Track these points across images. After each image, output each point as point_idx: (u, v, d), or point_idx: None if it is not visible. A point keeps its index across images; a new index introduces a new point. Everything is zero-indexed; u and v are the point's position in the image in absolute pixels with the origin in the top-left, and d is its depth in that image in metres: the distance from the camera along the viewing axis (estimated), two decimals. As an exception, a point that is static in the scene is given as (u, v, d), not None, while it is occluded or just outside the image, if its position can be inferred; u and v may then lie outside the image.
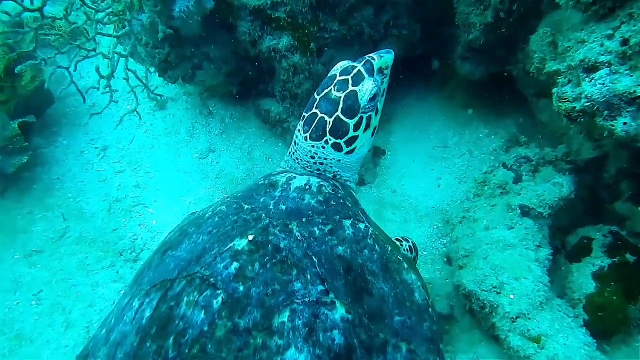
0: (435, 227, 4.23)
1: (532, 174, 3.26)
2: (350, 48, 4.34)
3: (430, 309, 2.08)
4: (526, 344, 2.66)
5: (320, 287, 1.72)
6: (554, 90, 2.29)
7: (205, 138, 5.05)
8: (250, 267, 1.72)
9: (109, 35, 3.31)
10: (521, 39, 3.52)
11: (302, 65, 3.99)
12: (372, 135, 2.31)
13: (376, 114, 2.25)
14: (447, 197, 4.48)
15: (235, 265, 1.74)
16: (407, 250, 2.62)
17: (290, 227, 1.89)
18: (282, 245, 1.81)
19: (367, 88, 2.12)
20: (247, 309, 1.61)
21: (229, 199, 2.15)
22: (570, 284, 3.07)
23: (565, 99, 2.15)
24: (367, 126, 2.22)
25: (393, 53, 2.24)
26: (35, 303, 3.60)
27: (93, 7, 2.83)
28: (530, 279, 2.74)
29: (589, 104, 2.04)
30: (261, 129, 5.17)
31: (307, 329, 1.60)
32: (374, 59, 2.18)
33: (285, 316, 1.61)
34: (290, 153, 2.42)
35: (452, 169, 4.79)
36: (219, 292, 1.67)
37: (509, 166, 3.37)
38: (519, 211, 3.07)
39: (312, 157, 2.29)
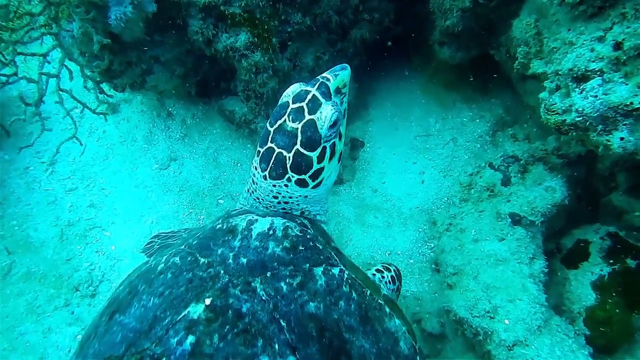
0: (420, 230, 4.14)
1: (521, 175, 3.15)
2: (316, 38, 4.17)
3: (417, 356, 1.98)
4: (526, 374, 2.60)
5: (291, 358, 1.59)
6: (541, 95, 2.16)
7: (164, 144, 4.82)
8: (208, 341, 1.58)
9: (32, 54, 3.05)
10: (503, 23, 3.38)
11: (265, 63, 3.80)
12: (339, 161, 2.16)
13: (340, 138, 2.10)
14: (431, 195, 4.38)
15: (191, 339, 1.59)
16: (389, 281, 2.50)
17: (252, 284, 1.74)
18: (244, 310, 1.66)
19: (325, 115, 1.96)
20: (205, 396, 1.48)
21: (182, 248, 1.99)
22: (567, 293, 3.01)
23: (554, 110, 2.02)
24: (332, 154, 2.07)
25: (349, 68, 2.08)
26: (-24, 362, 3.36)
27: (6, 25, 2.55)
28: (526, 300, 2.66)
29: (580, 118, 1.92)
30: (226, 129, 4.97)
31: None
32: (328, 79, 2.01)
33: None
34: (248, 191, 2.26)
35: (436, 160, 4.69)
36: (171, 376, 1.53)
37: (496, 166, 3.26)
38: (509, 220, 2.97)
39: (275, 197, 2.13)
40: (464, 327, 2.86)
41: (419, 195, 4.41)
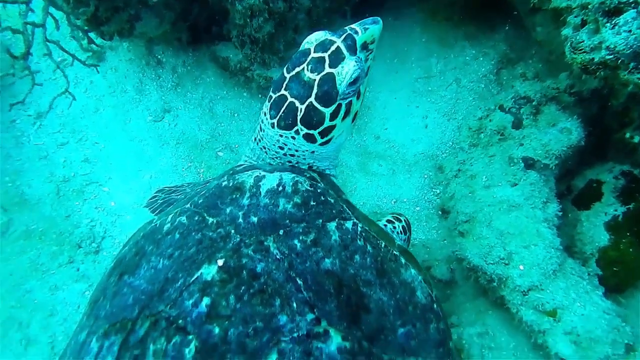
0: (426, 176, 4.09)
1: (533, 117, 3.06)
2: (314, -27, 3.93)
3: (434, 305, 1.97)
4: (540, 318, 2.61)
5: (310, 316, 1.56)
6: (564, 32, 2.03)
7: (157, 94, 4.65)
8: (224, 302, 1.54)
9: (13, 2, 2.84)
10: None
11: (260, 5, 3.59)
12: (353, 121, 2.07)
13: (358, 97, 2.00)
14: (436, 140, 4.31)
15: (206, 301, 1.55)
16: (401, 231, 2.46)
17: (265, 244, 1.69)
18: (259, 270, 1.62)
19: (347, 71, 1.85)
20: (227, 357, 1.46)
21: (188, 207, 1.92)
22: (579, 235, 3.00)
23: (581, 49, 1.90)
24: (347, 113, 1.97)
25: (381, 22, 1.94)
26: (-15, 319, 3.35)
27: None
28: (541, 246, 2.63)
29: (611, 56, 1.80)
30: (220, 77, 4.79)
31: None
32: (356, 32, 1.88)
33: None
34: (255, 139, 2.17)
35: (439, 104, 4.58)
36: (190, 337, 1.50)
37: (507, 108, 3.15)
38: (522, 164, 2.90)
39: (281, 148, 2.06)
40: (477, 274, 2.86)
41: (423, 141, 4.33)
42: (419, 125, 4.45)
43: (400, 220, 2.51)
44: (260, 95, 4.65)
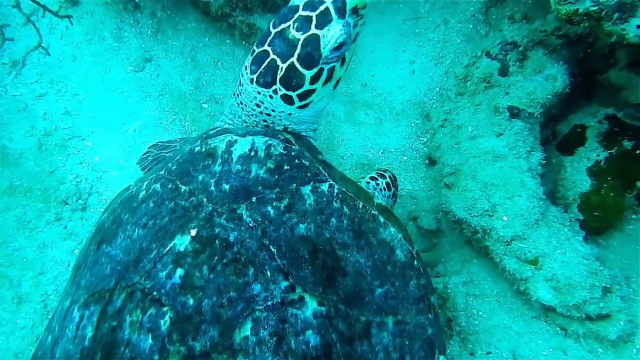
0: (413, 124, 4.01)
1: (520, 63, 2.94)
2: None
3: (415, 261, 1.96)
4: (522, 266, 2.64)
5: (284, 283, 1.55)
6: (550, -21, 1.90)
7: (136, 42, 4.45)
8: (197, 273, 1.53)
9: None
10: None
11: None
12: (334, 88, 1.98)
13: (342, 64, 1.90)
14: (423, 86, 4.20)
15: (180, 272, 1.54)
16: (384, 187, 2.43)
17: (238, 212, 1.66)
18: (231, 239, 1.59)
19: (332, 34, 1.75)
20: (201, 328, 1.46)
21: (162, 174, 1.88)
22: (562, 180, 2.99)
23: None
24: (329, 78, 1.88)
25: None
26: (-25, 278, 3.28)
27: None
28: (524, 196, 2.61)
29: (595, 7, 1.70)
30: (202, 22, 4.58)
31: (274, 338, 1.47)
32: None
33: (247, 329, 1.46)
34: (234, 94, 2.10)
35: (427, 47, 4.43)
36: (165, 309, 1.49)
37: (493, 55, 3.04)
38: (508, 113, 2.83)
39: (258, 105, 1.98)
40: (462, 226, 2.88)
41: (410, 87, 4.22)
42: (406, 71, 4.33)
43: (384, 177, 2.47)
44: (244, 42, 4.46)
